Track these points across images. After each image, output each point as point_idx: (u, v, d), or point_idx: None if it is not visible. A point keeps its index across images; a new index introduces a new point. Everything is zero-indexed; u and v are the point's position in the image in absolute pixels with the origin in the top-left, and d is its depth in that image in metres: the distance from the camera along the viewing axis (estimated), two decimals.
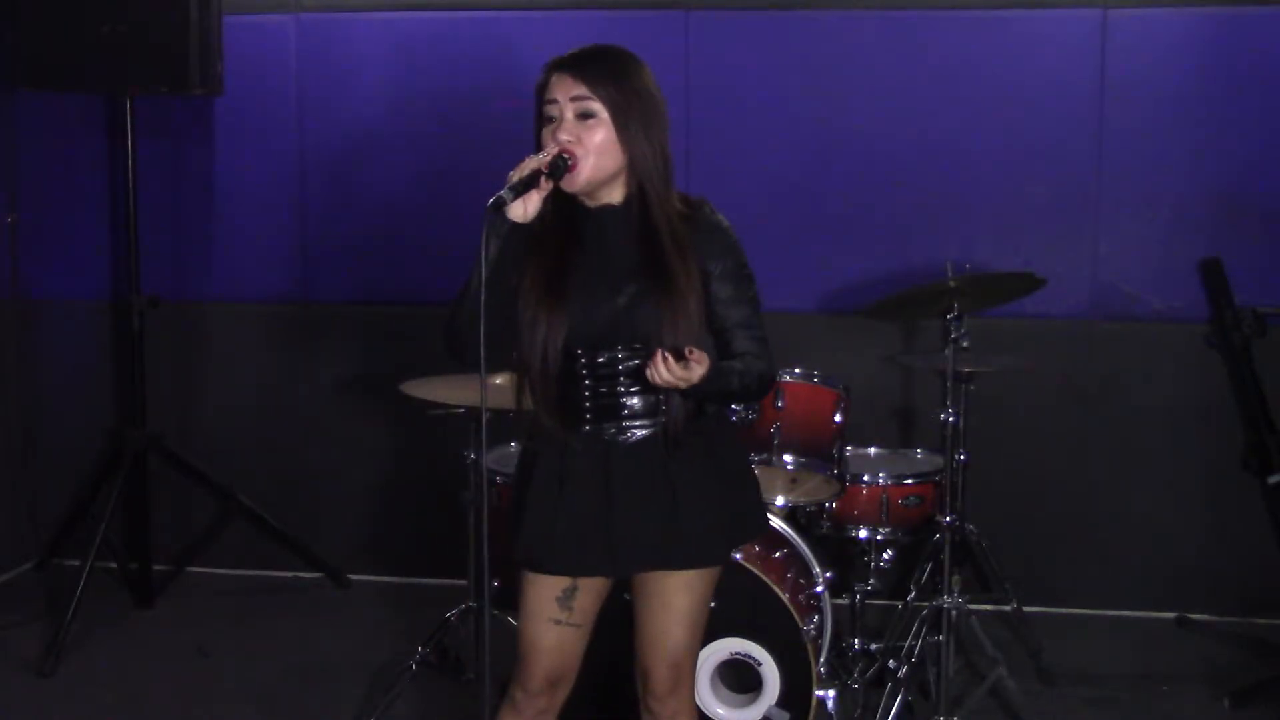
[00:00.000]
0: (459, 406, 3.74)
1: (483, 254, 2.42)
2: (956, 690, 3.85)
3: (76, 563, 4.52)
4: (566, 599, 2.62)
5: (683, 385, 2.40)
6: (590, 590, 2.64)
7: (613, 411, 2.57)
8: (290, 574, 4.99)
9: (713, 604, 2.96)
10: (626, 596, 2.72)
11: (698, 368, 2.38)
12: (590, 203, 2.58)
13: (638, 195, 2.56)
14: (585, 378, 2.57)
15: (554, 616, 2.62)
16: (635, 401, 2.57)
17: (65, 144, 5.04)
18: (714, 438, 2.62)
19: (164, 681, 4.13)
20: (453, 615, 3.98)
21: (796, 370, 3.78)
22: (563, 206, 2.56)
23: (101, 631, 4.45)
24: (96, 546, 4.45)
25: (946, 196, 4.65)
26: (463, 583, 4.01)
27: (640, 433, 2.57)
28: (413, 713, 3.85)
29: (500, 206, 2.41)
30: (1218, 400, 4.54)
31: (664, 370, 2.37)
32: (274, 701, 3.97)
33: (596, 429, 2.58)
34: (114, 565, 4.77)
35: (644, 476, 2.55)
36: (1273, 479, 4.35)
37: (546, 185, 2.46)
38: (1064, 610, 4.70)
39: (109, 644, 4.40)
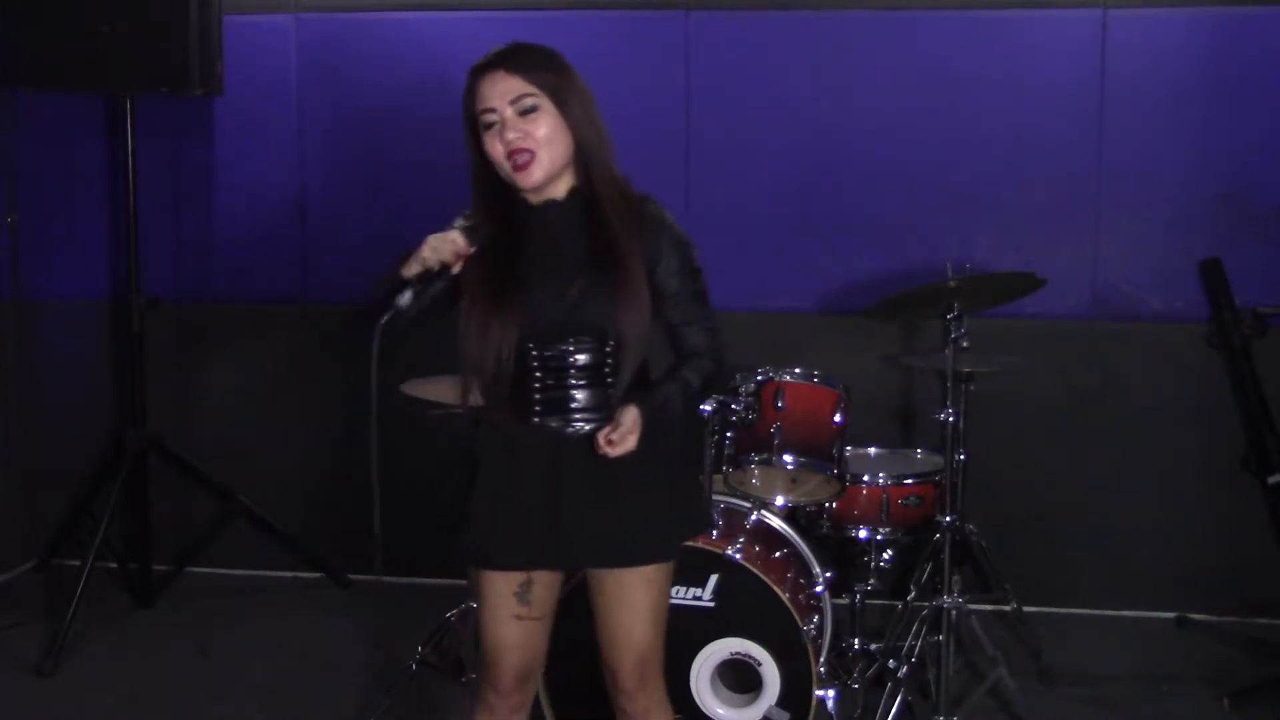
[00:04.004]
0: (459, 406, 3.73)
1: (372, 363, 2.47)
2: (956, 690, 3.85)
3: (76, 563, 4.53)
4: (524, 593, 2.63)
5: (634, 446, 2.47)
6: (543, 582, 2.65)
7: (562, 404, 2.58)
8: (290, 574, 4.99)
9: (712, 603, 2.96)
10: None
11: (631, 437, 2.46)
12: (534, 198, 2.58)
13: (584, 187, 2.57)
14: (536, 371, 2.57)
15: (515, 612, 2.63)
16: (584, 395, 2.58)
17: (65, 144, 5.04)
18: (661, 433, 2.61)
19: (164, 681, 4.13)
20: (453, 615, 3.98)
21: (796, 370, 3.77)
22: (504, 207, 2.56)
23: (101, 631, 4.46)
24: (96, 546, 4.45)
25: (946, 196, 4.65)
26: (463, 583, 3.99)
27: (588, 426, 2.57)
28: (413, 713, 3.85)
29: (398, 315, 2.45)
30: (1218, 400, 4.54)
31: (611, 449, 2.45)
32: (274, 701, 3.97)
33: (545, 422, 2.58)
34: (114, 565, 4.77)
35: (592, 470, 2.56)
36: (1273, 479, 4.35)
37: (460, 262, 2.47)
38: (1064, 610, 4.70)
39: (109, 644, 4.40)
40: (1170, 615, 4.65)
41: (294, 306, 5.01)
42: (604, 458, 2.49)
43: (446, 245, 2.47)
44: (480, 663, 2.72)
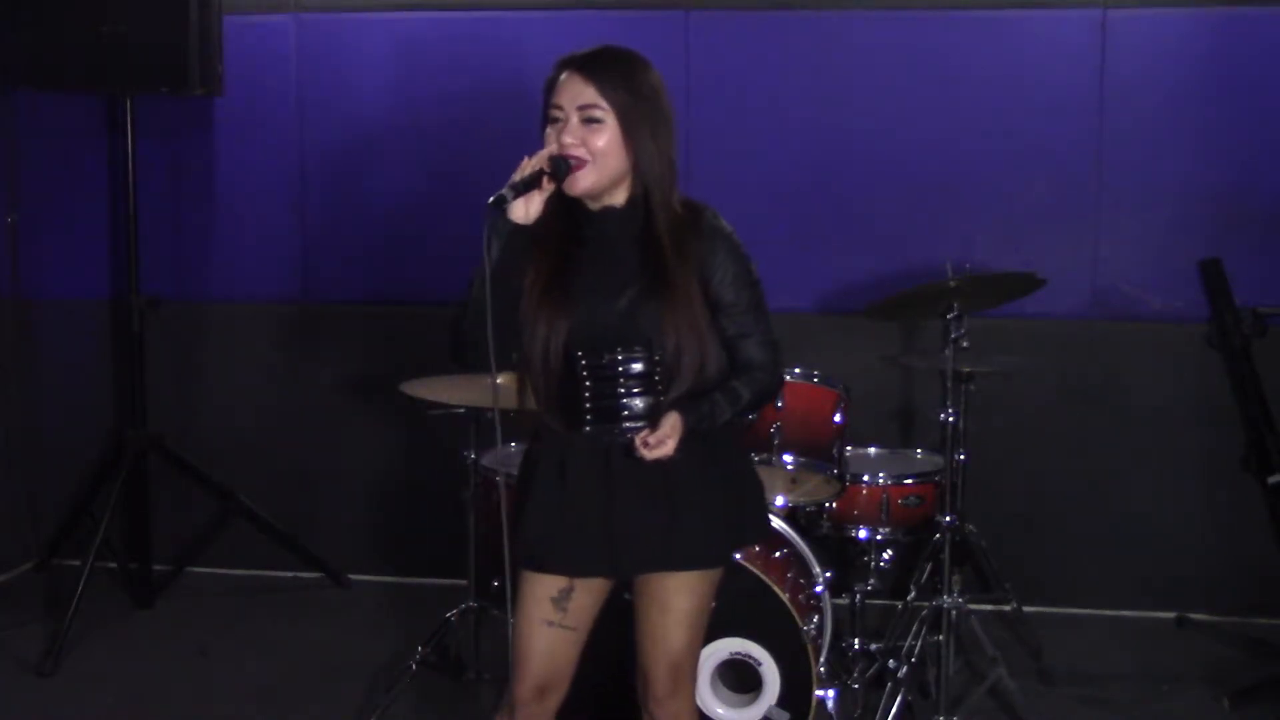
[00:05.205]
0: (459, 406, 3.74)
1: (485, 252, 2.42)
2: (956, 690, 3.85)
3: (76, 563, 4.53)
4: (561, 600, 2.61)
5: (671, 450, 2.45)
6: (587, 592, 2.63)
7: (613, 413, 2.57)
8: (290, 574, 4.99)
9: (713, 604, 2.94)
10: (627, 596, 2.72)
11: (670, 441, 2.44)
12: (593, 204, 2.57)
13: (642, 198, 2.56)
14: (586, 379, 2.56)
15: (547, 618, 2.61)
16: (636, 403, 2.56)
17: (65, 144, 5.04)
18: (715, 440, 2.60)
19: (164, 681, 4.13)
20: (453, 615, 3.98)
21: (796, 370, 3.78)
22: (564, 207, 2.55)
23: (101, 631, 4.45)
24: (96, 546, 4.44)
25: (946, 196, 4.65)
26: (463, 583, 4.01)
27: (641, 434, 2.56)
28: (413, 713, 3.85)
29: (501, 204, 2.41)
30: (1218, 400, 4.54)
31: (647, 452, 2.43)
32: (274, 701, 3.97)
33: (597, 430, 2.57)
34: (114, 565, 4.77)
35: (644, 478, 2.54)
36: (1273, 479, 4.35)
37: (549, 186, 2.46)
38: (1064, 610, 4.70)
39: (109, 644, 4.40)
40: (1170, 615, 4.65)
41: (294, 306, 5.01)
42: (655, 466, 2.48)
43: (539, 158, 2.46)
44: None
